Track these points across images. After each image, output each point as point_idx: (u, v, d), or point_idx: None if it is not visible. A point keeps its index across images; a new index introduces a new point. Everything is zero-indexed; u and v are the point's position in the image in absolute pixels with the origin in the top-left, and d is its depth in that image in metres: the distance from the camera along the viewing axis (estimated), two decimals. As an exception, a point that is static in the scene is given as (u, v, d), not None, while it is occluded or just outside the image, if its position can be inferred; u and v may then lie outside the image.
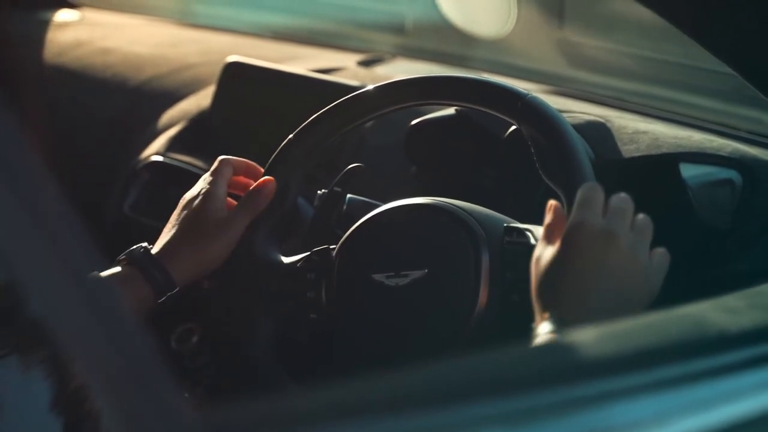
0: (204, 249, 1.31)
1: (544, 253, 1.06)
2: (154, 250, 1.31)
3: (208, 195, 1.33)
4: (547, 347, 0.83)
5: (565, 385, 0.80)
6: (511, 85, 1.29)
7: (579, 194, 1.05)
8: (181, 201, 1.35)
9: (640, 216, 1.06)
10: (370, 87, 1.35)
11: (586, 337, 0.84)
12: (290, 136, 1.37)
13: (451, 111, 1.59)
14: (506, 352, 0.86)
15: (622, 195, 1.06)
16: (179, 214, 1.34)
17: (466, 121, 1.56)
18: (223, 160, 1.36)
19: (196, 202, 1.33)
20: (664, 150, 1.43)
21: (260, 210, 1.35)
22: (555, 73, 2.09)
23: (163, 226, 1.34)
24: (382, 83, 1.34)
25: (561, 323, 0.98)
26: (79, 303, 0.66)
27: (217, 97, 1.89)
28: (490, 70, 2.12)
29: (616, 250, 1.02)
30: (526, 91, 1.28)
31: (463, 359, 0.84)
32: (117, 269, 1.29)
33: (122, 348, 0.66)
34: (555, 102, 1.85)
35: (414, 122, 1.60)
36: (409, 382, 0.80)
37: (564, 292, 1.02)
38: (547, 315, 1.00)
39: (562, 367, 0.82)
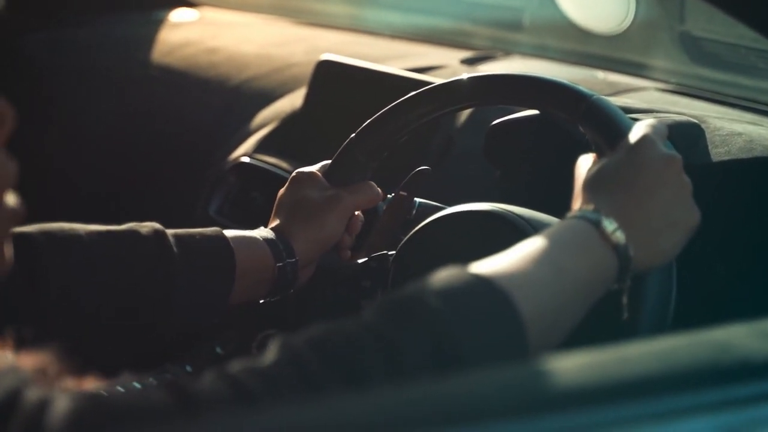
0: (318, 225, 1.28)
1: (601, 162, 1.05)
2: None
3: (315, 172, 1.32)
4: (546, 371, 0.76)
5: (563, 413, 0.73)
6: (576, 86, 1.20)
7: (645, 120, 1.08)
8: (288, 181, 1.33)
9: None
10: (429, 86, 1.28)
11: (583, 361, 0.76)
12: (352, 135, 1.32)
13: (533, 111, 1.50)
14: (511, 373, 0.79)
15: None
16: (286, 193, 1.31)
17: (547, 121, 1.48)
18: None
19: (304, 180, 1.31)
20: (756, 153, 1.32)
21: (369, 204, 1.32)
22: (675, 69, 1.98)
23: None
24: (441, 82, 1.27)
25: (598, 216, 0.97)
26: None
27: (309, 96, 1.86)
28: (608, 67, 2.03)
29: (674, 170, 1.03)
30: (591, 92, 1.19)
31: (463, 379, 0.78)
32: (243, 232, 1.26)
33: None
34: (666, 100, 1.77)
35: (493, 123, 1.52)
36: (392, 405, 0.75)
37: (617, 191, 1.01)
38: (589, 205, 0.99)
39: (561, 393, 0.74)
